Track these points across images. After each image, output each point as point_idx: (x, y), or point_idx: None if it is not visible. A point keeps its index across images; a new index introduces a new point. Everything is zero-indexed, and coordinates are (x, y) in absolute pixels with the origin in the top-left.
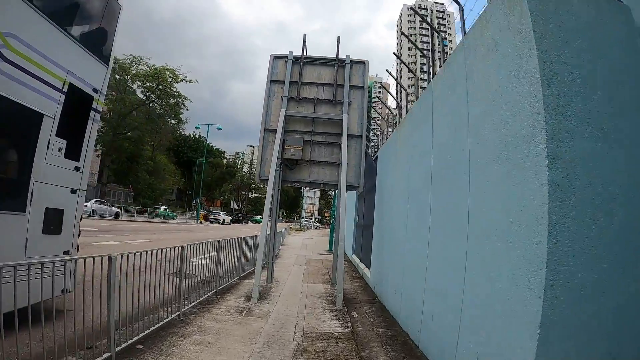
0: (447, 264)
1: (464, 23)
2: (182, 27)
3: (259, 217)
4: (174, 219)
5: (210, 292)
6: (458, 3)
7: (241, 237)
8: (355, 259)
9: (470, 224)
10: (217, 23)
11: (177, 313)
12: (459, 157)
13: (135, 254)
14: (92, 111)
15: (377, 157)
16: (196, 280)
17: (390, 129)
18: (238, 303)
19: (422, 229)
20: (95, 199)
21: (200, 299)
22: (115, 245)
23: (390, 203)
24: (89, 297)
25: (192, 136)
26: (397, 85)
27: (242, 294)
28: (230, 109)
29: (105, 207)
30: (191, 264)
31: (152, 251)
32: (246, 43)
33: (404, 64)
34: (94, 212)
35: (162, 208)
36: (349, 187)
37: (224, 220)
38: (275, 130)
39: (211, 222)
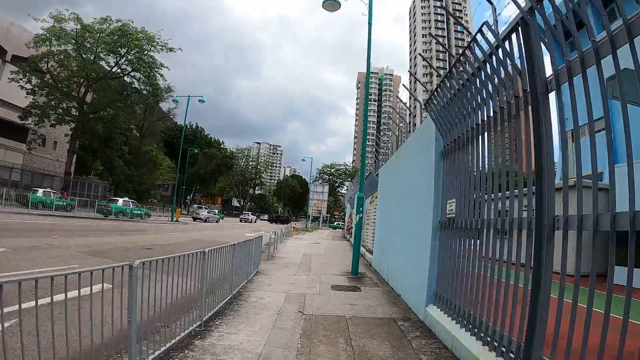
0: None
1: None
2: (185, 22)
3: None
4: (142, 217)
5: None
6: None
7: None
8: (441, 321)
9: None
10: (220, 18)
11: None
12: None
13: None
14: None
15: None
16: None
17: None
18: None
19: None
20: None
21: None
22: None
23: None
24: None
25: (187, 126)
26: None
27: None
28: (235, 106)
29: None
30: None
31: None
32: (251, 39)
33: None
34: None
35: (41, 192)
36: None
37: (251, 219)
38: None
39: (241, 221)
